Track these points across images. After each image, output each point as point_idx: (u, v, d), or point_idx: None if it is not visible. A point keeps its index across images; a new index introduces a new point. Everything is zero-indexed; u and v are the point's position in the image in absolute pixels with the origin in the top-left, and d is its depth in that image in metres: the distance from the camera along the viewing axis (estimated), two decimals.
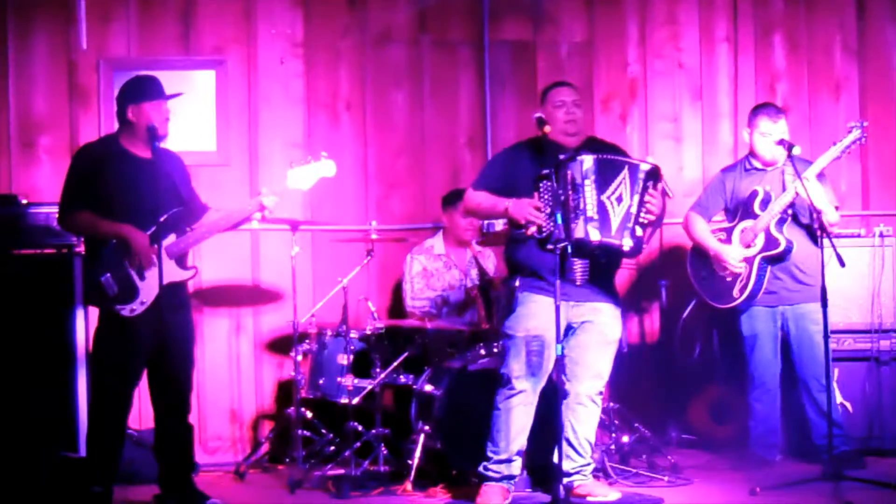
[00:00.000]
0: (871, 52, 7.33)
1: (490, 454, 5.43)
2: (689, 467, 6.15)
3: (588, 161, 5.29)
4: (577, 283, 5.33)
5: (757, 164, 6.25)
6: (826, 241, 5.63)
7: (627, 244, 5.27)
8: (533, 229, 5.27)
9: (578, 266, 5.31)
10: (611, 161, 5.37)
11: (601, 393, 5.53)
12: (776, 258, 6.10)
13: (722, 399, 6.76)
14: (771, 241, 6.09)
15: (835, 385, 6.19)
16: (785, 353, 6.23)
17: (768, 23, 7.34)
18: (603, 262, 5.36)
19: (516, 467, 5.43)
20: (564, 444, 5.39)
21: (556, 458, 5.38)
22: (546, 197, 5.29)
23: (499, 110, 7.18)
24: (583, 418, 5.45)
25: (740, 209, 6.21)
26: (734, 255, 6.16)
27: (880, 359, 6.52)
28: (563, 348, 5.12)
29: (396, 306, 6.89)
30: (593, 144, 5.53)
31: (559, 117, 5.49)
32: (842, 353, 6.38)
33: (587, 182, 5.27)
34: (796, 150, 5.95)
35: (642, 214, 5.29)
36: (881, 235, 6.56)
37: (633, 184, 5.31)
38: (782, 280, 6.13)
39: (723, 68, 7.32)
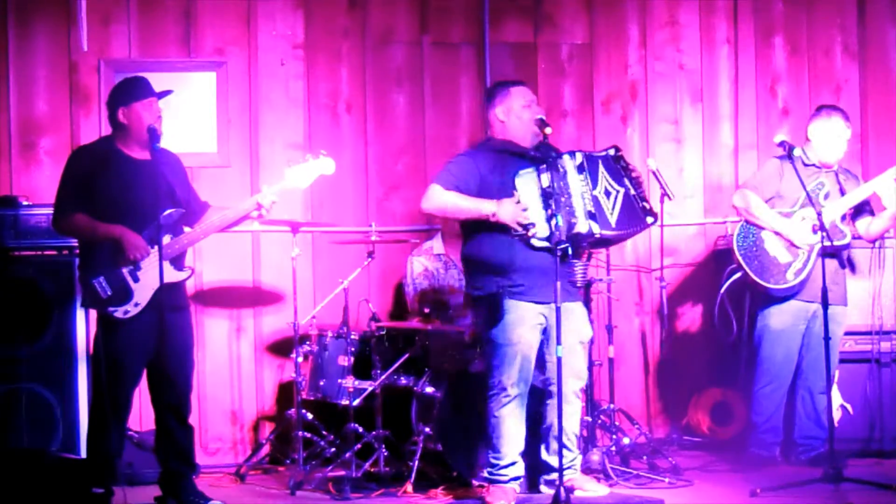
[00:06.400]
0: (871, 53, 7.33)
1: (493, 461, 5.40)
2: (690, 468, 6.15)
3: (579, 157, 5.31)
4: (578, 284, 5.35)
5: (814, 161, 6.20)
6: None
7: (650, 220, 5.37)
8: (534, 230, 5.22)
9: (579, 267, 5.36)
10: (592, 157, 5.41)
11: (583, 389, 5.62)
12: (833, 252, 6.01)
13: (724, 400, 6.76)
14: (837, 233, 6.07)
15: (835, 388, 6.17)
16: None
17: (769, 25, 7.34)
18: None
19: (520, 468, 5.43)
20: (555, 442, 5.38)
21: (546, 457, 5.51)
22: (531, 196, 5.23)
23: None
24: (568, 415, 5.42)
25: (801, 198, 6.10)
26: (804, 237, 6.08)
27: (881, 360, 6.51)
28: (562, 349, 5.14)
29: (397, 308, 6.89)
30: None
31: (527, 117, 5.40)
32: (842, 355, 6.35)
33: (581, 178, 5.27)
34: (797, 152, 5.95)
35: (641, 191, 5.40)
36: (881, 237, 6.55)
37: (613, 172, 5.37)
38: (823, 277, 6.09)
39: (723, 70, 7.33)
